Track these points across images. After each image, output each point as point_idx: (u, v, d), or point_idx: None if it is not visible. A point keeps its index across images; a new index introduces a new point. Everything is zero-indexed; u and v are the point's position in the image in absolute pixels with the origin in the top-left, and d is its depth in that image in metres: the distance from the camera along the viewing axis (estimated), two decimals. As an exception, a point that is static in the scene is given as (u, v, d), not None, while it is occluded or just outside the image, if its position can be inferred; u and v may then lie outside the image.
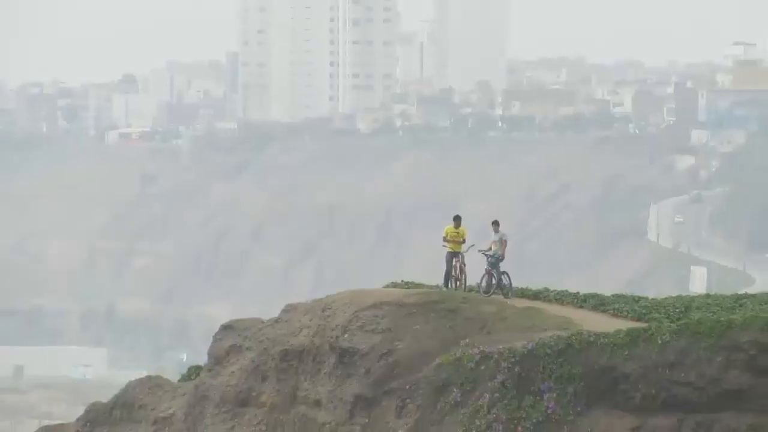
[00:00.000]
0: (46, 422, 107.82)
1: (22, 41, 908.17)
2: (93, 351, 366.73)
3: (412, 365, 63.62)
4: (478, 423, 60.80)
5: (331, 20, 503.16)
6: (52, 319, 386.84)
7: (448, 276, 74.51)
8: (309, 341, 67.71)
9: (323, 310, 69.59)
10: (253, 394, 68.78)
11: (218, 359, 72.77)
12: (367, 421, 63.36)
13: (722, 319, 60.57)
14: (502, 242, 73.36)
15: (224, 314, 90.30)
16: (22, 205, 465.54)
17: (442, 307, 67.89)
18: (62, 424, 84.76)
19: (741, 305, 69.96)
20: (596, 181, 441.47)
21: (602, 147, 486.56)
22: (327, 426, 65.06)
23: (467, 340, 63.81)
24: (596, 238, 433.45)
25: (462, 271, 74.10)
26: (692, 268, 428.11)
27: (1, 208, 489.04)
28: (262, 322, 75.07)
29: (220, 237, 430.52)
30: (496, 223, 75.30)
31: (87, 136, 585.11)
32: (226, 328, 75.22)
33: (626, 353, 58.47)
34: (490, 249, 73.83)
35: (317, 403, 65.97)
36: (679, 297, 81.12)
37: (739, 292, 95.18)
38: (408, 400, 62.58)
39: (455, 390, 61.97)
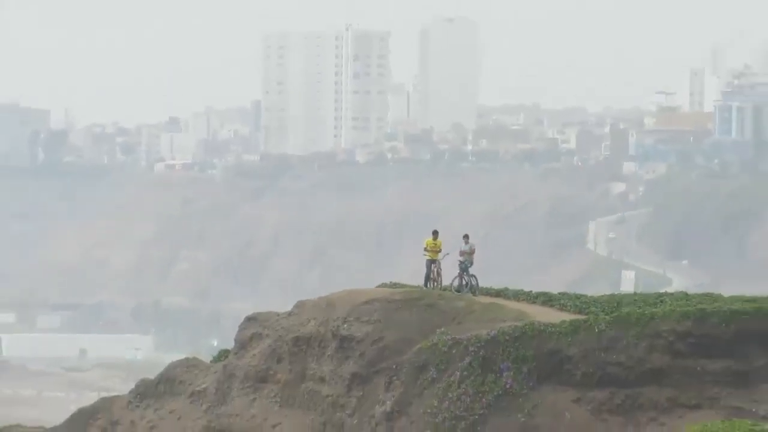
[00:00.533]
0: (104, 394, 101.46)
1: (87, 89, 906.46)
2: (142, 338, 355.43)
3: (398, 349, 63.83)
4: (450, 395, 61.81)
5: (336, 74, 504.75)
6: (110, 312, 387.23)
7: (427, 278, 74.55)
8: (315, 330, 67.91)
9: (327, 305, 70.33)
10: (271, 372, 68.20)
11: (243, 344, 72.10)
12: (361, 394, 63.47)
13: (646, 312, 62.97)
14: (471, 251, 73.05)
15: (248, 308, 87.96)
16: (88, 222, 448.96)
17: (422, 303, 68.47)
18: (117, 396, 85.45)
19: (661, 301, 69.79)
20: (546, 202, 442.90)
21: (551, 175, 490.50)
22: (329, 398, 64.81)
23: (442, 329, 64.41)
24: (545, 248, 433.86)
25: (438, 274, 73.95)
26: (623, 272, 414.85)
27: (72, 223, 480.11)
28: (278, 314, 75.30)
29: (246, 246, 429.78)
30: (466, 236, 75.71)
31: (139, 167, 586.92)
32: (249, 319, 74.30)
33: (569, 339, 61.59)
34: (462, 256, 72.19)
35: (322, 380, 65.94)
36: (612, 295, 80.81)
37: (659, 291, 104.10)
38: (394, 377, 63.41)
39: (432, 369, 63.02)
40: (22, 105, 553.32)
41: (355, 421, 65.30)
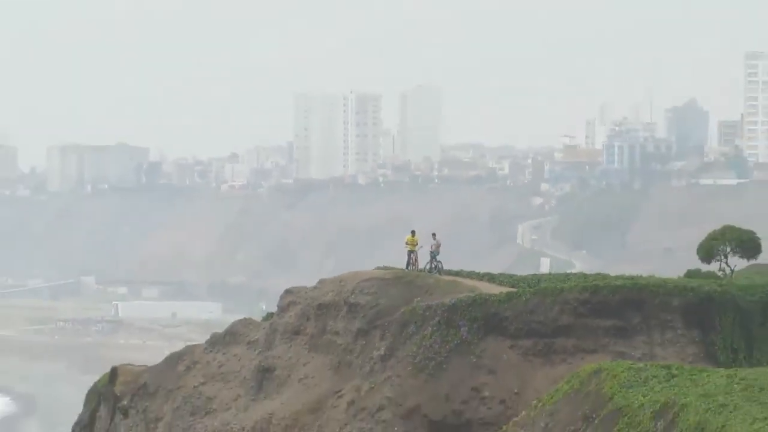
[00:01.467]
0: (188, 343, 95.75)
1: (174, 129, 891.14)
2: (214, 304, 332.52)
3: (389, 312, 63.70)
4: (424, 344, 61.89)
5: (344, 123, 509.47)
6: (192, 287, 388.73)
7: (408, 264, 74.40)
8: (332, 299, 67.93)
9: (340, 282, 70.60)
10: (302, 327, 68.06)
11: (282, 308, 71.41)
12: (364, 342, 63.44)
13: (558, 286, 66.59)
14: (438, 244, 72.20)
15: (286, 284, 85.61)
16: (176, 225, 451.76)
17: (405, 280, 68.65)
18: (197, 344, 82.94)
19: (568, 279, 73.73)
20: (489, 211, 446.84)
21: (492, 193, 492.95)
22: (341, 345, 64.68)
23: (419, 298, 65.17)
24: (489, 243, 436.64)
25: (416, 260, 73.52)
26: (541, 259, 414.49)
27: (165, 226, 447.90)
28: (306, 288, 75.73)
29: (283, 242, 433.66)
30: (433, 234, 75.56)
31: (210, 187, 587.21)
32: (287, 291, 73.96)
33: (505, 305, 63.35)
34: (432, 248, 72.25)
35: (336, 333, 65.75)
36: (534, 275, 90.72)
37: (566, 272, 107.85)
38: (386, 331, 63.28)
39: (412, 326, 62.82)
40: (130, 144, 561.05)
41: (359, 361, 65.00)
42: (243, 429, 65.94)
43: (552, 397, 55.21)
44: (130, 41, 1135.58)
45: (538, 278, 77.79)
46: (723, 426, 46.14)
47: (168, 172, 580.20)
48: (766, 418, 43.86)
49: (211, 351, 74.33)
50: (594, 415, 51.44)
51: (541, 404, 55.79)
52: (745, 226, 76.70)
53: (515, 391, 59.38)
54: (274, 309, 78.06)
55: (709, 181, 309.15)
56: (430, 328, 62.98)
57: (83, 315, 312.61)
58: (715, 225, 75.64)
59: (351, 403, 62.59)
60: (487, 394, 59.73)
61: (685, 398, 48.93)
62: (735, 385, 49.28)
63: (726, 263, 71.02)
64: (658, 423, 48.59)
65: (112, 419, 74.24)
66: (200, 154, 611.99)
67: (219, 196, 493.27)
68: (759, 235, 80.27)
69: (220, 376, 71.33)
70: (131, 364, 78.08)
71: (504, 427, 57.08)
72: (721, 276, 69.93)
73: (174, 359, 75.81)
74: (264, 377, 68.72)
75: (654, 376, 52.63)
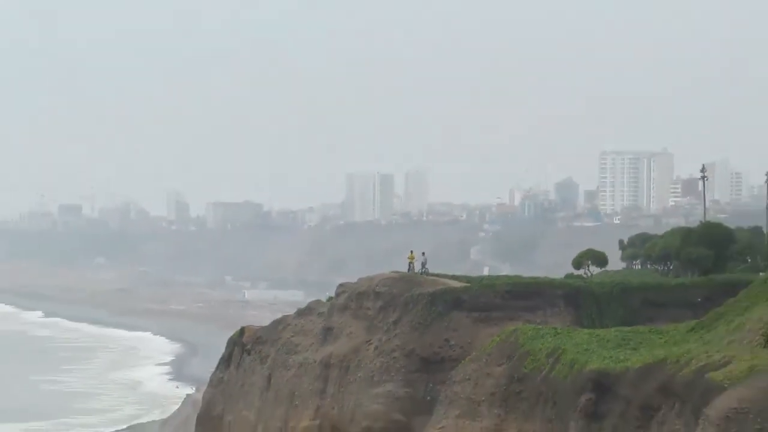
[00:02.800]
0: (284, 314, 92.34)
1: (277, 182, 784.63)
2: (299, 292, 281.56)
3: (398, 297, 60.51)
4: (418, 314, 58.78)
5: (372, 190, 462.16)
6: (287, 282, 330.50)
7: (408, 269, 68.55)
8: (365, 289, 64.04)
9: (370, 279, 66.10)
10: (348, 305, 64.03)
11: (338, 295, 67.24)
12: (383, 314, 59.73)
13: (493, 282, 63.20)
14: (425, 259, 68.40)
15: (340, 281, 77.60)
16: (279, 248, 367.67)
17: (407, 278, 64.72)
18: (289, 315, 76.06)
19: (498, 278, 68.11)
20: (455, 240, 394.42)
21: (457, 230, 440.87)
22: (371, 315, 61.17)
23: (414, 288, 61.52)
24: (454, 259, 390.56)
25: (413, 268, 68.45)
26: (484, 268, 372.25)
27: (272, 249, 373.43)
28: (351, 283, 70.85)
29: (340, 258, 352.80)
30: (423, 253, 71.71)
31: (298, 226, 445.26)
32: (340, 285, 69.79)
33: (464, 293, 59.82)
34: (423, 259, 68.25)
35: (368, 308, 61.86)
36: (479, 276, 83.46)
37: (498, 275, 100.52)
38: (396, 308, 59.28)
39: (411, 304, 60.07)
40: (254, 201, 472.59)
41: (381, 325, 62.31)
42: (315, 361, 64.44)
43: (489, 345, 55.22)
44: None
45: (481, 278, 74.98)
46: (586, 361, 47.41)
47: (274, 218, 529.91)
48: (611, 357, 46.28)
49: (297, 318, 73.23)
50: (513, 355, 52.04)
51: (483, 349, 55.96)
52: (599, 249, 75.38)
53: (469, 341, 57.95)
54: (332, 295, 76.31)
55: (578, 224, 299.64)
56: (421, 306, 62.10)
57: (226, 298, 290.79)
58: (582, 249, 74.84)
59: (376, 348, 61.10)
60: (453, 343, 58.28)
61: (565, 346, 50.21)
62: (593, 339, 50.40)
63: (588, 270, 69.88)
64: (550, 359, 49.96)
65: (241, 356, 73.08)
66: (292, 206, 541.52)
67: (303, 231, 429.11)
68: (607, 254, 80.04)
69: (302, 332, 69.38)
70: (252, 325, 76.20)
71: (462, 362, 56.64)
72: (585, 277, 68.96)
73: (276, 323, 73.87)
74: (327, 333, 66.56)
75: (547, 333, 52.99)
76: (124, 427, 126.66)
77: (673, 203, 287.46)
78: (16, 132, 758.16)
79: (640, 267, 74.82)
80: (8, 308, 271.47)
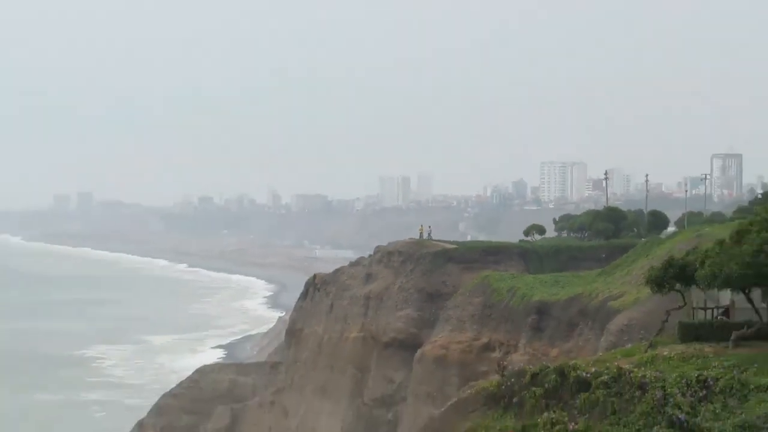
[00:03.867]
0: (342, 266, 75.81)
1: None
2: (350, 251, 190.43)
3: (414, 253, 56.91)
4: (426, 265, 56.22)
5: (398, 186, 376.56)
6: (345, 245, 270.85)
7: (419, 236, 64.03)
8: (392, 249, 59.88)
9: (395, 243, 62.31)
10: (382, 259, 61.30)
11: (375, 252, 62.50)
12: (404, 265, 57.03)
13: (475, 245, 64.45)
14: (430, 230, 63.85)
15: (378, 243, 61.67)
16: (336, 228, 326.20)
17: (419, 243, 60.86)
18: (345, 266, 70.00)
19: (479, 243, 70.65)
20: (449, 219, 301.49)
21: (450, 213, 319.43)
22: (396, 266, 58.19)
23: (423, 249, 57.46)
24: (448, 230, 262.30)
25: (423, 236, 63.66)
26: (468, 236, 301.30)
27: (333, 227, 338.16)
28: (383, 245, 65.73)
29: (378, 230, 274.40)
30: (429, 226, 68.10)
31: (358, 210, 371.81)
32: (377, 247, 67.39)
33: (455, 251, 58.02)
34: (429, 231, 64.21)
35: (394, 261, 58.97)
36: (464, 241, 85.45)
37: (478, 240, 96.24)
38: (412, 261, 56.59)
39: (422, 259, 56.88)
40: (321, 193, 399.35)
41: (403, 271, 58.61)
42: (360, 295, 63.49)
43: (470, 285, 55.59)
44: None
45: (465, 243, 73.68)
46: (532, 295, 48.10)
47: (334, 205, 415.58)
48: (547, 292, 47.23)
49: (349, 268, 70.78)
50: (486, 291, 52.88)
51: (467, 287, 56.45)
52: (540, 224, 71.30)
53: (458, 282, 56.55)
54: (371, 253, 73.94)
55: (527, 208, 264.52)
56: (427, 260, 61.43)
57: (304, 255, 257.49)
58: (529, 224, 69.77)
59: (399, 287, 60.55)
60: (448, 283, 57.14)
61: (518, 285, 50.99)
62: (536, 281, 51.70)
63: (533, 237, 67.70)
64: (509, 293, 50.32)
65: (313, 292, 70.51)
66: (345, 196, 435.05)
67: (353, 213, 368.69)
68: (546, 227, 75.13)
69: (352, 277, 67.91)
70: (321, 272, 72.23)
71: (453, 295, 56.11)
72: (531, 241, 66.45)
73: (336, 271, 71.65)
74: (368, 277, 65.46)
75: (507, 277, 53.72)
76: (240, 336, 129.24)
77: (587, 194, 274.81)
78: (169, 146, 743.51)
79: (566, 235, 73.14)
80: (164, 262, 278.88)
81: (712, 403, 14.58)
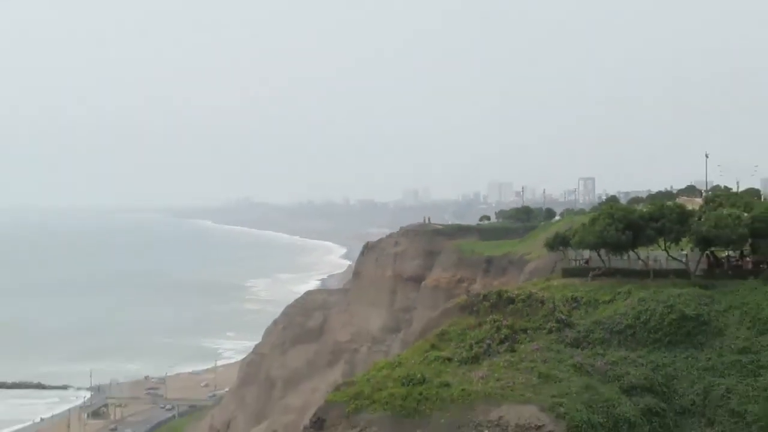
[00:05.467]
0: (379, 238, 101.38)
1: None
2: (390, 230, 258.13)
3: (420, 231, 77.31)
4: (425, 236, 78.46)
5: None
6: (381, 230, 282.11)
7: (423, 221, 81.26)
8: (408, 228, 79.65)
9: (411, 225, 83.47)
10: (405, 233, 80.00)
11: (399, 230, 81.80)
12: (415, 237, 76.29)
13: (461, 226, 79.32)
14: (429, 218, 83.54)
15: (402, 225, 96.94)
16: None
17: (423, 225, 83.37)
18: (383, 237, 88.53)
19: (459, 228, 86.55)
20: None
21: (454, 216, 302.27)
22: (411, 238, 77.77)
23: (425, 227, 78.10)
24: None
25: (425, 221, 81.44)
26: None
27: (371, 220, 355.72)
28: (405, 227, 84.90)
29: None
30: (429, 218, 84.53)
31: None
32: (401, 228, 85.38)
33: (447, 231, 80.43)
34: (427, 218, 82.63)
35: (410, 235, 78.45)
36: (449, 224, 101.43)
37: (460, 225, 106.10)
38: (420, 235, 76.50)
39: (423, 233, 77.28)
40: (372, 199, 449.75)
41: (413, 240, 74.03)
42: (392, 253, 76.38)
43: (451, 247, 71.63)
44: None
45: (447, 225, 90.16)
46: (484, 252, 62.96)
47: (376, 204, 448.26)
48: (494, 251, 62.02)
49: (386, 238, 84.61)
50: (459, 251, 68.95)
51: (449, 248, 71.99)
52: (489, 215, 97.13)
53: (444, 245, 73.62)
54: (395, 231, 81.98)
55: (481, 206, 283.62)
56: (428, 234, 74.67)
57: (363, 232, 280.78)
58: (482, 215, 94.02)
59: (413, 248, 74.29)
60: (438, 246, 73.69)
61: (477, 248, 66.64)
62: (489, 246, 67.79)
63: (484, 221, 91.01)
64: (473, 252, 65.35)
65: (367, 251, 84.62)
66: (375, 198, 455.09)
67: (392, 210, 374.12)
68: (490, 216, 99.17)
69: (387, 243, 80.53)
70: (370, 241, 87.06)
71: (441, 252, 73.92)
72: (482, 224, 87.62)
73: (380, 240, 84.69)
74: (395, 243, 77.34)
75: (470, 243, 69.36)
76: (327, 275, 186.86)
77: (512, 199, 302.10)
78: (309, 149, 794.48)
79: (502, 221, 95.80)
80: (286, 236, 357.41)
81: (579, 310, 22.15)
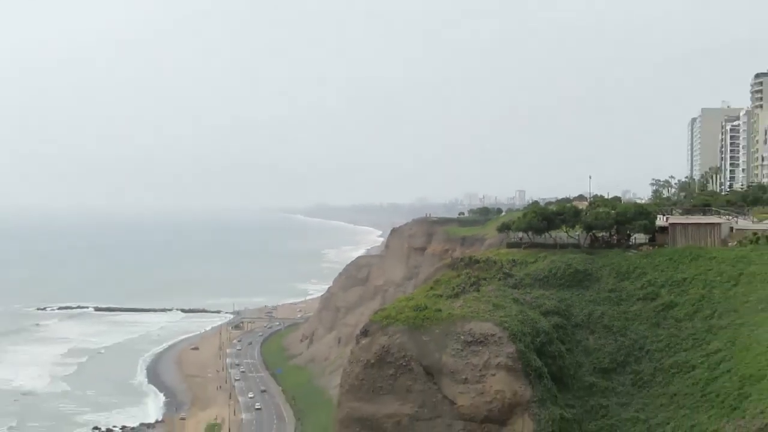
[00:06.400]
0: (396, 227, 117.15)
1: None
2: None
3: (425, 220, 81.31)
4: (428, 223, 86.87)
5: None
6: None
7: (425, 215, 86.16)
8: (418, 219, 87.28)
9: (416, 218, 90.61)
10: (414, 223, 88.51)
11: (413, 220, 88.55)
12: (422, 226, 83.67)
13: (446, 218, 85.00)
14: (430, 214, 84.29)
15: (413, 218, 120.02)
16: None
17: (427, 218, 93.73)
18: (400, 225, 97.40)
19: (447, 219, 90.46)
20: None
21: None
22: (420, 225, 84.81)
23: (430, 219, 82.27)
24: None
25: (428, 216, 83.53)
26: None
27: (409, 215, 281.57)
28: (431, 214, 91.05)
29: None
30: (430, 214, 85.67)
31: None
32: (413, 219, 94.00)
33: (437, 220, 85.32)
34: (429, 213, 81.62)
35: (419, 223, 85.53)
36: (441, 217, 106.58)
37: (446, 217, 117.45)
38: (426, 223, 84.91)
39: (428, 222, 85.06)
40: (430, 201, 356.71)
41: (422, 226, 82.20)
42: (407, 234, 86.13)
43: (442, 230, 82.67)
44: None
45: (441, 217, 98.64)
46: (461, 233, 79.93)
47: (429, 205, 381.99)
48: (468, 233, 79.13)
49: (403, 225, 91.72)
50: (447, 233, 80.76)
51: (440, 232, 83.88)
52: (464, 212, 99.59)
53: (437, 230, 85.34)
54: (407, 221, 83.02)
55: (462, 206, 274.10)
56: (428, 223, 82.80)
57: (391, 221, 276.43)
58: (460, 212, 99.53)
59: (420, 231, 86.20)
60: (434, 230, 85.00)
61: (456, 230, 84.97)
62: (462, 229, 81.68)
63: (463, 215, 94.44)
64: (453, 233, 75.82)
65: (393, 233, 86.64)
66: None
67: (411, 208, 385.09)
68: (465, 213, 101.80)
69: (405, 227, 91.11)
70: (395, 227, 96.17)
71: (436, 234, 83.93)
72: (461, 216, 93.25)
73: (400, 226, 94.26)
74: (409, 228, 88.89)
75: (454, 228, 79.96)
76: (371, 246, 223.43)
77: (477, 203, 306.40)
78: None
79: (469, 215, 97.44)
80: (351, 225, 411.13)
81: (516, 267, 29.04)
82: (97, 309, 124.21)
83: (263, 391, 70.70)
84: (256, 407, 62.97)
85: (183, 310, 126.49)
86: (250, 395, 68.47)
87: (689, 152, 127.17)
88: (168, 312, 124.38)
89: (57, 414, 59.83)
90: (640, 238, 34.35)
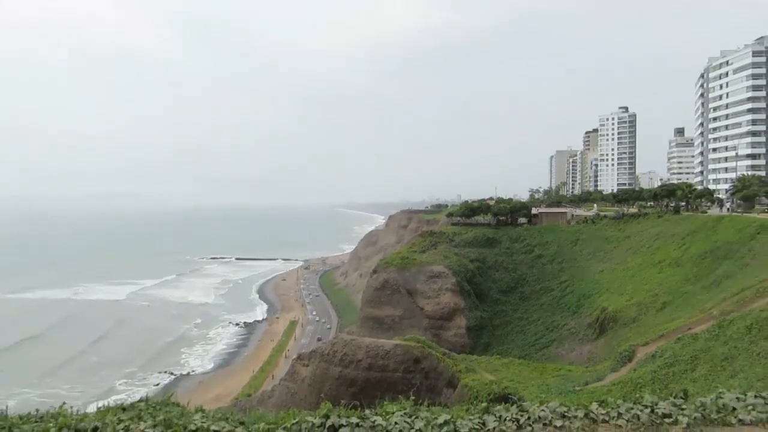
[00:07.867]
0: (394, 213, 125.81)
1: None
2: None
3: (418, 211, 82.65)
4: (427, 213, 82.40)
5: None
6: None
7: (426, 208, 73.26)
8: (412, 209, 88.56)
9: (412, 208, 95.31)
10: (407, 212, 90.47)
11: (403, 212, 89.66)
12: (416, 213, 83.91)
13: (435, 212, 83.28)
14: (429, 206, 71.63)
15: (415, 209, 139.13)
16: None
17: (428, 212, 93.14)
18: (395, 213, 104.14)
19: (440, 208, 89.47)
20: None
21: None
22: (416, 214, 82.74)
23: (419, 210, 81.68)
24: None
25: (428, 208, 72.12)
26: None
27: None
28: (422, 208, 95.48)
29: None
30: (429, 206, 76.00)
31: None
32: (402, 211, 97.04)
33: (436, 215, 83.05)
34: (428, 205, 75.75)
35: (413, 213, 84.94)
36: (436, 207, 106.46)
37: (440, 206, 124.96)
38: (412, 215, 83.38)
39: (421, 212, 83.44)
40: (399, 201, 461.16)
41: (416, 213, 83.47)
42: (398, 218, 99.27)
43: (418, 216, 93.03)
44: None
45: (428, 210, 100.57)
46: (423, 218, 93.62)
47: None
48: (438, 220, 77.32)
49: (398, 213, 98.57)
50: (429, 221, 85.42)
51: (417, 218, 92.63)
52: (439, 209, 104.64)
53: (430, 220, 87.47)
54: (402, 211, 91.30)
55: (444, 203, 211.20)
56: (408, 213, 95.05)
57: (388, 211, 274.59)
58: (439, 210, 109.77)
59: (415, 217, 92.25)
60: (430, 215, 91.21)
61: (437, 217, 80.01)
62: (425, 216, 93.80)
63: (427, 208, 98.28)
64: (434, 219, 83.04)
65: (390, 217, 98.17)
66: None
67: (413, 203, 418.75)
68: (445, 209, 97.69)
69: (400, 215, 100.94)
70: (390, 215, 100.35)
71: (433, 216, 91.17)
72: (427, 209, 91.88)
73: (396, 214, 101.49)
74: (406, 216, 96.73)
75: (439, 220, 77.14)
76: (377, 225, 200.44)
77: (435, 201, 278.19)
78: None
79: (430, 208, 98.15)
80: (367, 213, 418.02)
81: (458, 236, 44.94)
82: (238, 258, 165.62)
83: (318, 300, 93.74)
84: (314, 315, 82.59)
85: (283, 259, 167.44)
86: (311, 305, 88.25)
87: (549, 173, 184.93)
88: (273, 261, 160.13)
89: (214, 316, 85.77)
90: (522, 220, 51.57)
